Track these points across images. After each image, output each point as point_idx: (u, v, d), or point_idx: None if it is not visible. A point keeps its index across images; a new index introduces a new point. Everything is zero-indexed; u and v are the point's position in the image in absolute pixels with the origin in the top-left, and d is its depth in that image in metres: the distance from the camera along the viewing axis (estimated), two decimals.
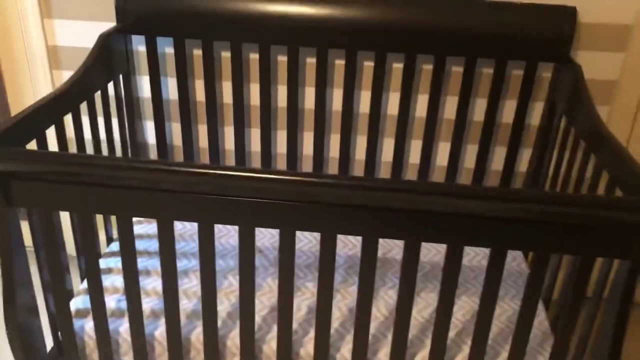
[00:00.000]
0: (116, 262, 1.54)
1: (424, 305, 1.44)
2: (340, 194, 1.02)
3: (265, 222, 1.07)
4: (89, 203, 1.10)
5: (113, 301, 1.40)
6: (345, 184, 1.01)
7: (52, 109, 1.31)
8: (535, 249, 1.06)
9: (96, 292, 1.22)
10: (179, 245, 1.61)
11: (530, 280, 1.11)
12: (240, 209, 1.06)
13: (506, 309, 1.44)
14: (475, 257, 1.62)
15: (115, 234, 1.70)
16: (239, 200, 1.06)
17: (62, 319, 1.27)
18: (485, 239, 1.06)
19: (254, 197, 1.05)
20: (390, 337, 1.34)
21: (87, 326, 1.34)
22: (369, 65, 1.69)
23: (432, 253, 1.63)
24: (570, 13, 1.53)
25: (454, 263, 1.10)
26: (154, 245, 1.61)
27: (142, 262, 1.53)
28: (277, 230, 1.65)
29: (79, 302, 1.40)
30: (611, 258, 1.09)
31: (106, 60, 1.57)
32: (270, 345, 1.31)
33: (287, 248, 1.10)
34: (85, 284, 1.46)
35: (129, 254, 1.16)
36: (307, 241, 1.65)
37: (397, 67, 1.69)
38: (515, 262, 1.62)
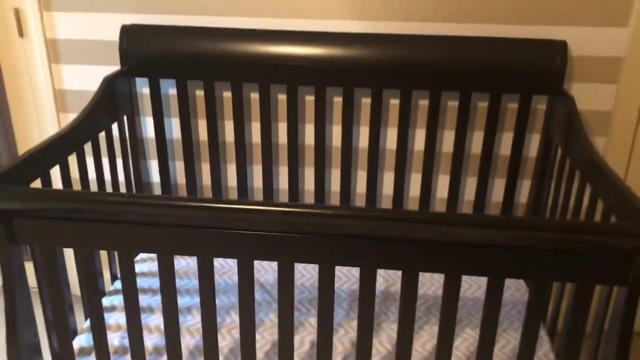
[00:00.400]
0: (120, 300, 1.55)
1: (428, 338, 1.44)
2: (337, 223, 1.03)
3: (263, 254, 1.09)
4: (90, 239, 1.12)
5: (117, 338, 1.41)
6: (342, 214, 1.03)
7: (56, 149, 1.35)
8: (532, 276, 1.07)
9: (98, 330, 1.23)
10: (182, 283, 1.62)
11: (530, 306, 1.11)
12: (239, 241, 1.08)
13: (510, 340, 1.43)
14: (479, 289, 1.62)
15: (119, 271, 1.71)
16: (236, 234, 1.07)
17: (65, 357, 1.27)
18: (483, 267, 1.07)
19: (251, 229, 1.07)
20: None
21: None
22: (366, 101, 1.73)
23: (435, 287, 1.63)
24: (560, 47, 1.57)
25: (452, 292, 1.10)
26: (156, 282, 1.62)
27: (145, 300, 1.54)
28: None
29: (83, 340, 1.41)
30: (608, 285, 1.09)
31: (110, 102, 1.62)
32: None
33: (286, 280, 1.11)
34: (88, 323, 1.47)
35: (130, 288, 1.17)
36: (310, 276, 1.66)
37: (394, 102, 1.72)
38: (519, 292, 1.62)
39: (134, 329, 1.21)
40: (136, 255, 1.75)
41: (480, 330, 1.13)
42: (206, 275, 1.13)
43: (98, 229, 1.10)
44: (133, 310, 1.19)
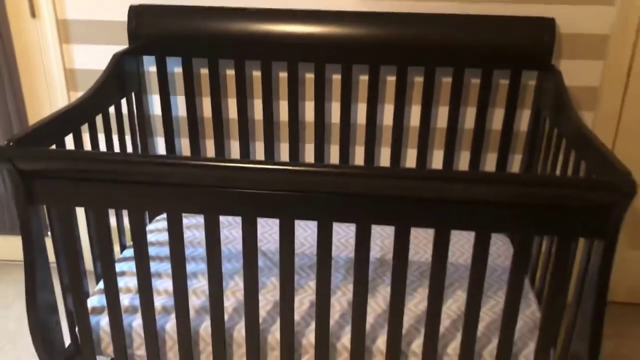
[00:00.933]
0: (129, 266, 1.63)
1: (420, 299, 1.51)
2: (334, 181, 1.11)
3: (265, 212, 1.17)
4: (103, 199, 1.20)
5: (127, 299, 1.49)
6: (339, 172, 1.11)
7: (69, 119, 1.43)
8: (517, 231, 1.14)
9: (111, 286, 1.31)
10: (188, 251, 1.70)
11: (515, 260, 1.18)
12: (242, 200, 1.16)
13: (499, 301, 1.51)
14: (470, 256, 1.69)
15: (128, 241, 1.79)
16: (240, 192, 1.15)
17: (80, 315, 1.36)
18: (470, 222, 1.14)
19: (254, 188, 1.15)
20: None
21: (103, 322, 1.43)
22: (364, 78, 1.81)
23: (428, 254, 1.71)
24: (549, 24, 1.64)
25: (442, 247, 1.18)
26: (164, 251, 1.70)
27: (153, 266, 1.62)
28: None
29: (95, 300, 1.49)
30: (588, 237, 1.16)
31: (119, 78, 1.70)
32: (274, 335, 1.39)
33: (287, 236, 1.19)
34: (100, 286, 1.55)
35: (141, 245, 1.25)
36: (309, 245, 1.73)
37: (391, 79, 1.80)
38: (509, 260, 1.69)
39: (145, 285, 1.29)
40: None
41: (469, 281, 1.21)
42: (212, 232, 1.21)
43: (111, 189, 1.18)
44: (144, 265, 1.27)
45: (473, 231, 1.17)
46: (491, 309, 1.49)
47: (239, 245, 1.73)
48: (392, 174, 1.11)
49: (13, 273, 2.23)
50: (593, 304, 1.17)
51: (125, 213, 1.90)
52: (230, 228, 1.81)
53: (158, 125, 1.93)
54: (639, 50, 1.71)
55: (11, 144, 1.21)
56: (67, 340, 1.45)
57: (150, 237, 1.77)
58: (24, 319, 1.99)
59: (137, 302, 1.48)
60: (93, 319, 1.43)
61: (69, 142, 1.49)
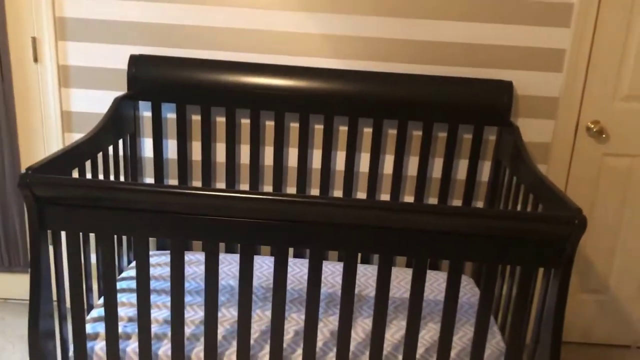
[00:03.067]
0: (128, 284, 1.72)
1: (396, 330, 1.64)
2: (324, 211, 1.25)
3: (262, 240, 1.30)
4: (111, 225, 1.30)
5: (119, 327, 1.56)
6: (328, 203, 1.26)
7: (76, 155, 1.54)
8: (485, 260, 1.30)
9: (112, 311, 1.39)
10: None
11: (483, 290, 1.33)
12: (240, 230, 1.28)
13: (467, 332, 1.65)
14: (439, 293, 1.84)
15: (125, 264, 1.87)
16: (236, 221, 1.28)
17: (78, 341, 1.42)
18: (443, 252, 1.30)
19: (249, 217, 1.28)
20: (367, 353, 1.52)
21: (97, 347, 1.49)
22: (343, 129, 1.98)
23: (402, 290, 1.85)
24: (508, 86, 1.87)
25: (419, 274, 1.32)
26: (158, 284, 1.78)
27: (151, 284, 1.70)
28: (268, 271, 1.86)
29: (89, 328, 1.55)
30: (546, 266, 1.33)
31: (118, 121, 1.82)
32: None
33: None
34: (92, 314, 1.61)
35: (142, 272, 1.35)
36: (293, 280, 1.85)
37: (367, 131, 1.98)
38: (475, 297, 1.85)
39: (143, 307, 1.38)
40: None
41: (443, 306, 1.35)
42: (211, 257, 1.32)
43: (119, 216, 1.29)
44: (144, 285, 1.37)
45: (448, 260, 1.32)
46: (460, 338, 1.62)
47: (224, 281, 1.83)
48: (374, 206, 1.27)
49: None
50: (552, 329, 1.33)
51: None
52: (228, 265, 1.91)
53: (148, 167, 2.04)
54: (584, 111, 1.95)
55: (29, 172, 1.31)
56: None
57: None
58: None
59: (128, 329, 1.55)
60: (88, 345, 1.49)
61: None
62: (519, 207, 1.72)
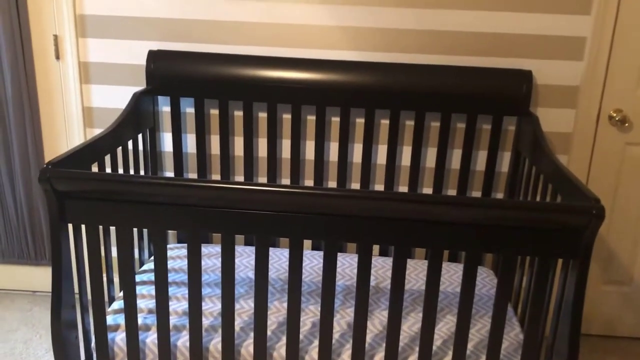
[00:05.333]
0: (148, 276, 1.75)
1: (413, 322, 1.63)
2: (337, 203, 1.26)
3: (276, 232, 1.30)
4: (128, 218, 1.32)
5: (140, 318, 1.59)
6: (344, 195, 1.26)
7: (95, 149, 1.57)
8: (501, 251, 1.29)
9: (131, 303, 1.42)
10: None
11: (500, 282, 1.32)
12: (255, 221, 1.29)
13: (486, 324, 1.64)
14: (458, 285, 1.83)
15: (145, 257, 1.90)
16: (251, 214, 1.29)
17: (99, 331, 1.45)
18: (461, 243, 1.29)
19: (267, 209, 1.29)
20: (384, 345, 1.53)
21: (117, 338, 1.52)
22: (360, 121, 1.98)
23: (420, 282, 1.84)
24: (527, 76, 1.84)
25: (436, 265, 1.32)
26: (178, 277, 1.81)
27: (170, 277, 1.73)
28: (287, 263, 1.87)
29: (109, 319, 1.58)
30: (564, 257, 1.31)
31: (137, 116, 1.85)
32: (279, 352, 1.49)
33: (295, 257, 1.32)
34: (113, 306, 1.65)
35: (161, 266, 1.37)
36: (309, 272, 1.86)
37: (384, 122, 1.98)
38: (494, 289, 1.83)
39: (162, 299, 1.40)
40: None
41: (460, 298, 1.34)
42: (228, 248, 1.34)
43: (136, 209, 1.31)
44: (162, 276, 1.39)
45: (464, 251, 1.31)
46: (478, 331, 1.61)
47: (242, 273, 1.85)
48: (391, 197, 1.26)
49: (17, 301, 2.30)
50: (570, 321, 1.31)
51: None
52: (247, 257, 1.93)
53: (167, 161, 2.07)
54: (605, 100, 1.92)
55: (49, 166, 1.33)
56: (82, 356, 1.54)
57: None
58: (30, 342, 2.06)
59: (148, 321, 1.58)
60: (109, 336, 1.52)
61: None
62: (538, 198, 1.70)
